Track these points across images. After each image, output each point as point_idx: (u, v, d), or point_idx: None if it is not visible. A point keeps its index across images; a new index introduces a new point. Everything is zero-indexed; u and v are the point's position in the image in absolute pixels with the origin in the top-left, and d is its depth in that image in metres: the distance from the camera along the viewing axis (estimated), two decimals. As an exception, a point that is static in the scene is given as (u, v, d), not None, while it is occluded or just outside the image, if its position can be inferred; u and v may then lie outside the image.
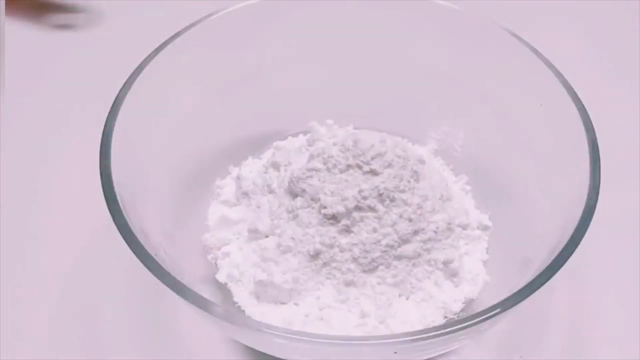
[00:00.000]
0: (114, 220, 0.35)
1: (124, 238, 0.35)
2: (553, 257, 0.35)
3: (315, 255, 0.42)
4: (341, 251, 0.41)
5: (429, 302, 0.42)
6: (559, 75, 0.43)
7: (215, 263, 0.45)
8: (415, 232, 0.42)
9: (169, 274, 0.34)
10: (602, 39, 0.67)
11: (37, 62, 0.62)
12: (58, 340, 0.44)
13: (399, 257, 0.42)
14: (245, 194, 0.47)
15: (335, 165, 0.42)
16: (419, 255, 0.42)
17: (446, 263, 0.43)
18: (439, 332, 0.32)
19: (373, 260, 0.41)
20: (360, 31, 0.50)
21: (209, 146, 0.49)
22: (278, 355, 0.38)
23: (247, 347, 0.42)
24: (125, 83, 0.41)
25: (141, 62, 0.43)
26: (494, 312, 0.33)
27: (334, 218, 0.41)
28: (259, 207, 0.45)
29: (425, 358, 0.39)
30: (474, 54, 0.48)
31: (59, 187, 0.52)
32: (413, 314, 0.41)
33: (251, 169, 0.48)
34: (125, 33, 0.63)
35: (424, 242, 0.43)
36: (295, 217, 0.43)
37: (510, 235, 0.45)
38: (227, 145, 0.50)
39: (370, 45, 0.50)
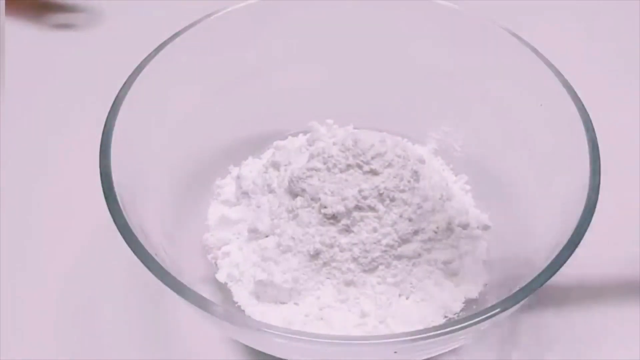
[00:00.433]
0: (114, 220, 0.35)
1: (124, 238, 0.35)
2: (553, 257, 0.35)
3: (315, 255, 0.42)
4: (341, 251, 0.41)
5: (429, 302, 0.42)
6: (559, 75, 0.43)
7: (215, 263, 0.45)
8: (415, 232, 0.42)
9: (169, 274, 0.34)
10: (602, 39, 0.67)
11: (37, 62, 0.62)
12: (58, 340, 0.44)
13: (399, 257, 0.42)
14: (245, 194, 0.47)
15: (335, 165, 0.42)
16: (419, 255, 0.42)
17: (446, 263, 0.43)
18: (439, 332, 0.32)
19: (373, 260, 0.41)
20: (360, 31, 0.50)
21: (209, 146, 0.49)
22: (278, 355, 0.38)
23: (247, 347, 0.42)
24: (125, 83, 0.41)
25: (141, 62, 0.42)
26: (494, 312, 0.33)
27: (334, 218, 0.41)
28: (259, 206, 0.45)
29: (425, 358, 0.39)
30: (474, 54, 0.48)
31: (59, 187, 0.52)
32: (413, 314, 0.41)
33: (251, 168, 0.48)
34: (125, 33, 0.63)
35: (424, 242, 0.43)
36: (295, 216, 0.43)
37: (510, 235, 0.45)
38: (227, 145, 0.50)
39: (370, 45, 0.50)
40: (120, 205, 0.36)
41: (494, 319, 0.33)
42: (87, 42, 0.64)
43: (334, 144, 0.43)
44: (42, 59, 0.63)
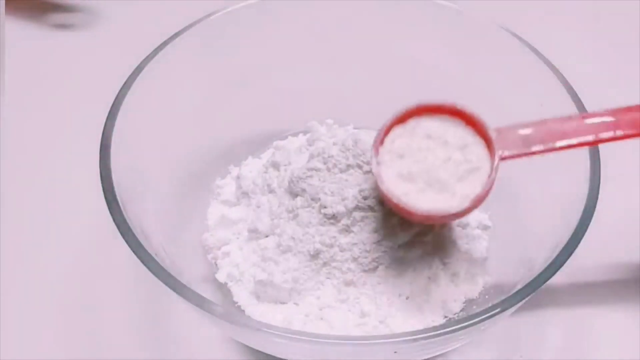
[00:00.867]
0: (114, 220, 0.35)
1: (124, 238, 0.35)
2: (553, 257, 0.35)
3: (315, 255, 0.42)
4: (341, 251, 0.41)
5: (429, 302, 0.42)
6: (559, 75, 0.43)
7: (215, 263, 0.45)
8: (416, 232, 0.42)
9: (169, 274, 0.34)
10: (602, 39, 0.66)
11: (37, 62, 0.62)
12: (58, 340, 0.44)
13: (399, 257, 0.42)
14: (245, 194, 0.47)
15: (335, 165, 0.42)
16: (419, 255, 0.42)
17: (446, 263, 0.43)
18: (439, 332, 0.32)
19: (373, 260, 0.41)
20: (360, 31, 0.50)
21: (209, 146, 0.49)
22: (278, 355, 0.38)
23: (247, 347, 0.42)
24: (125, 83, 0.41)
25: (141, 62, 0.43)
26: (494, 312, 0.33)
27: (334, 218, 0.41)
28: (259, 206, 0.45)
29: (425, 358, 0.39)
30: (474, 54, 0.48)
31: (59, 187, 0.52)
32: (413, 314, 0.41)
33: (251, 168, 0.48)
34: (125, 33, 0.63)
35: (424, 242, 0.43)
36: (295, 216, 0.43)
37: (510, 235, 0.45)
38: (227, 145, 0.50)
39: (370, 45, 0.50)
40: (120, 205, 0.36)
41: (494, 319, 0.33)
42: (87, 42, 0.64)
43: (334, 144, 0.43)
44: (42, 58, 0.63)
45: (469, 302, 0.43)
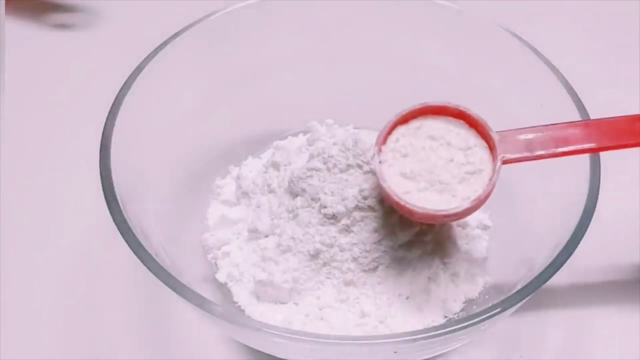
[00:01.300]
0: (114, 220, 0.35)
1: (124, 238, 0.35)
2: (553, 257, 0.35)
3: (315, 255, 0.42)
4: (341, 251, 0.41)
5: (429, 302, 0.42)
6: (559, 75, 0.43)
7: (215, 263, 0.45)
8: (415, 232, 0.42)
9: (169, 274, 0.34)
10: (602, 39, 0.66)
11: (37, 62, 0.62)
12: (58, 340, 0.44)
13: (399, 257, 0.42)
14: (245, 194, 0.47)
15: (335, 165, 0.42)
16: (419, 255, 0.42)
17: (446, 263, 0.43)
18: (439, 332, 0.32)
19: (373, 260, 0.41)
20: (360, 31, 0.50)
21: (209, 146, 0.49)
22: (278, 355, 0.38)
23: (247, 347, 0.42)
24: (125, 83, 0.41)
25: (141, 62, 0.43)
26: (494, 312, 0.33)
27: (334, 218, 0.41)
28: (259, 206, 0.45)
29: (425, 358, 0.39)
30: (474, 54, 0.48)
31: (59, 187, 0.52)
32: (413, 313, 0.41)
33: (251, 168, 0.48)
34: (125, 33, 0.63)
35: (424, 242, 0.43)
36: (295, 216, 0.43)
37: (510, 235, 0.45)
38: (227, 145, 0.50)
39: (370, 45, 0.50)
40: (120, 205, 0.36)
41: (494, 319, 0.33)
42: (87, 42, 0.64)
43: (334, 144, 0.43)
44: (41, 58, 0.63)
45: (469, 302, 0.43)
